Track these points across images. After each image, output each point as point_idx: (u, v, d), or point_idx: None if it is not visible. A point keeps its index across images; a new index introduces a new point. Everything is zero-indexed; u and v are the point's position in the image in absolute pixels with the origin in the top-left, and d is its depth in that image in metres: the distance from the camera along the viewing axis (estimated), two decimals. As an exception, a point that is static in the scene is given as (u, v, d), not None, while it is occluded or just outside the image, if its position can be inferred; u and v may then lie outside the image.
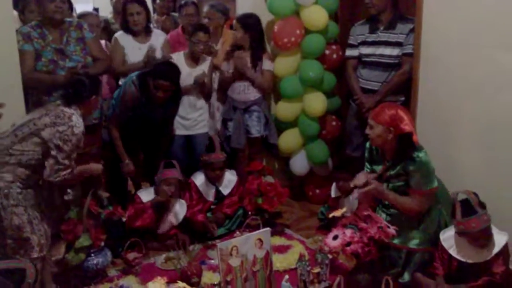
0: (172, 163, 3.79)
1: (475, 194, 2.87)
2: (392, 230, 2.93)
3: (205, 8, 4.38)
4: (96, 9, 6.71)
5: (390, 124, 3.01)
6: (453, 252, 2.88)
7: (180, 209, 3.76)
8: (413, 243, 3.10)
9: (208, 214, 3.91)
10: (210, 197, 3.99)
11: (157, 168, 3.80)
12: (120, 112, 3.70)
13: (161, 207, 3.71)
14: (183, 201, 3.81)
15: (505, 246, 2.81)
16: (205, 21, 4.32)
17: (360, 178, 3.17)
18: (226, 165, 3.99)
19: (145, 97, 3.64)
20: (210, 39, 4.11)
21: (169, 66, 3.72)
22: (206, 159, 3.94)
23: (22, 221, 2.75)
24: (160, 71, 3.61)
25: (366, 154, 3.34)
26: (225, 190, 4.02)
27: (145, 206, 3.62)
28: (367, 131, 3.13)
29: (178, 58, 4.05)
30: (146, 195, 3.73)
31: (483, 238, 2.80)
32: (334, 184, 3.97)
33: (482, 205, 2.82)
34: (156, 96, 3.61)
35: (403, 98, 3.79)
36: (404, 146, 3.03)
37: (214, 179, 3.93)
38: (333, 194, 3.96)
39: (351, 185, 3.23)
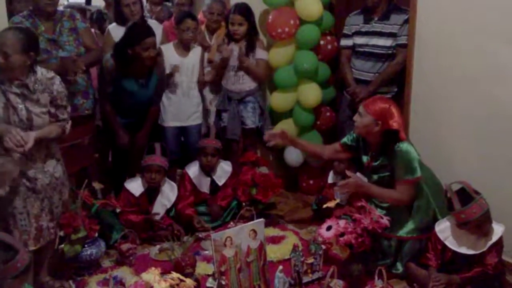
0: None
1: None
2: (385, 221, 2.94)
3: (210, 3, 4.19)
4: (89, 0, 6.67)
5: (379, 117, 3.02)
6: (449, 243, 2.88)
7: (170, 191, 3.77)
8: (403, 232, 3.11)
9: (203, 207, 3.92)
10: (205, 188, 3.96)
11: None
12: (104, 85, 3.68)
13: (151, 192, 3.72)
14: (173, 183, 3.83)
15: (500, 238, 2.82)
16: (213, 18, 4.17)
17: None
18: (219, 153, 3.95)
19: (123, 70, 3.62)
20: (198, 26, 4.04)
21: (143, 25, 3.72)
22: (200, 144, 3.94)
23: (4, 215, 2.73)
24: (140, 32, 3.60)
25: (355, 144, 3.35)
26: (220, 180, 3.98)
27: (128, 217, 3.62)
28: (355, 117, 3.14)
29: (167, 49, 3.99)
30: (134, 185, 3.72)
31: (485, 223, 2.79)
32: (331, 171, 3.98)
33: (476, 192, 2.83)
34: (148, 58, 3.58)
35: (396, 89, 3.80)
36: (388, 142, 3.05)
37: (206, 167, 3.89)
38: (330, 180, 3.97)
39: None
